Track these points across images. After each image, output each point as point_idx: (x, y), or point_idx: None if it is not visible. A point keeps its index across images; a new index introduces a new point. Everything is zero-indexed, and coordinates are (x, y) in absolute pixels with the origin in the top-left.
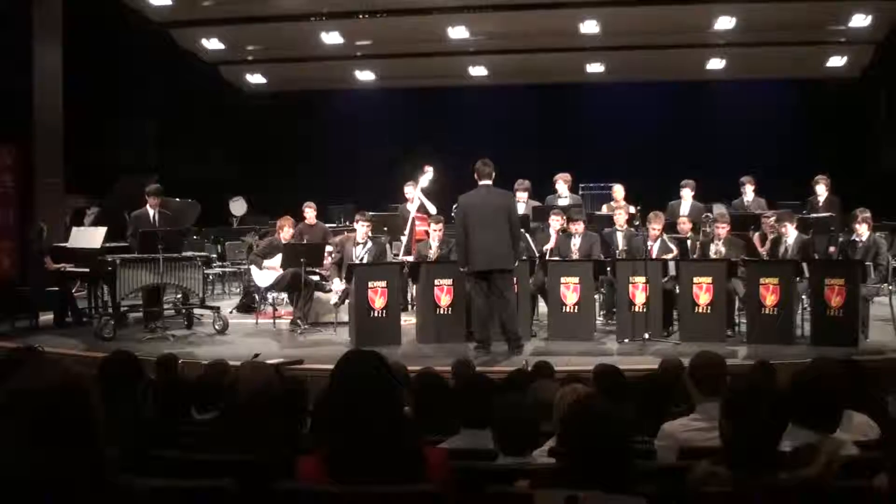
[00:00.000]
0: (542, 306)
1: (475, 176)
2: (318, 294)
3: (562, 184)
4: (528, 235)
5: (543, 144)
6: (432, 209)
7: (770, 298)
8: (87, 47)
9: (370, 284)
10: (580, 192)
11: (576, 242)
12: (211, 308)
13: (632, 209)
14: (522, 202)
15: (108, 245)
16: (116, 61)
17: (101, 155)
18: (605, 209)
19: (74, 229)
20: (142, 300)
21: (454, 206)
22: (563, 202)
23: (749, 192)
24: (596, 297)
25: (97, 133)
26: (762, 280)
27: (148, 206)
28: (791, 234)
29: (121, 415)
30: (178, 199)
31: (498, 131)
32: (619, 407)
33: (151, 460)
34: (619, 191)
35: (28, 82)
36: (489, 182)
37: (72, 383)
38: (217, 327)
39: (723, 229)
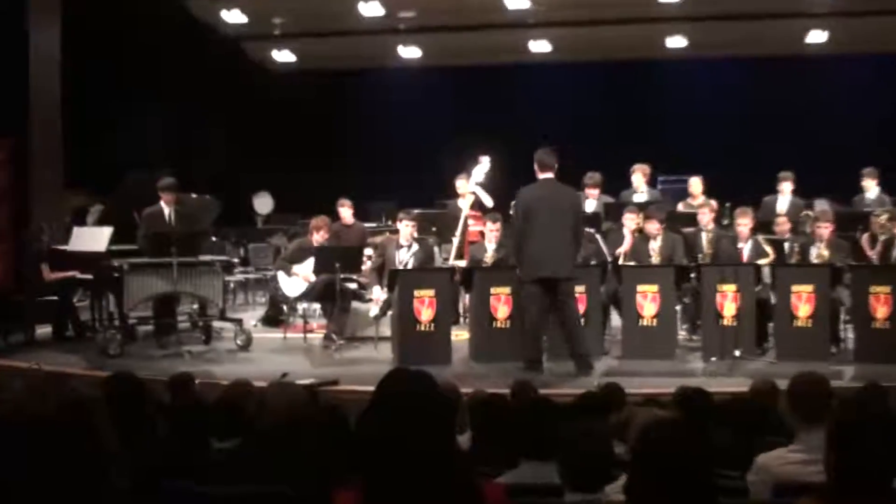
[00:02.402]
0: (616, 319)
1: (535, 167)
2: (355, 304)
3: (639, 176)
4: (599, 237)
5: (615, 131)
6: (489, 202)
7: (881, 310)
8: (89, 24)
9: (416, 293)
10: (658, 187)
11: (654, 245)
12: (232, 321)
13: (713, 203)
14: (593, 199)
15: (114, 248)
16: (123, 39)
17: (106, 146)
18: (681, 206)
19: (76, 229)
20: (153, 311)
21: (513, 203)
22: (639, 198)
23: (872, 188)
24: (678, 308)
25: (101, 121)
26: (872, 289)
27: (162, 202)
28: None
29: (129, 442)
30: (194, 196)
31: (562, 115)
32: (703, 434)
33: (166, 493)
34: (696, 184)
35: (23, 66)
36: (552, 175)
37: (78, 406)
38: (239, 342)
39: (826, 229)
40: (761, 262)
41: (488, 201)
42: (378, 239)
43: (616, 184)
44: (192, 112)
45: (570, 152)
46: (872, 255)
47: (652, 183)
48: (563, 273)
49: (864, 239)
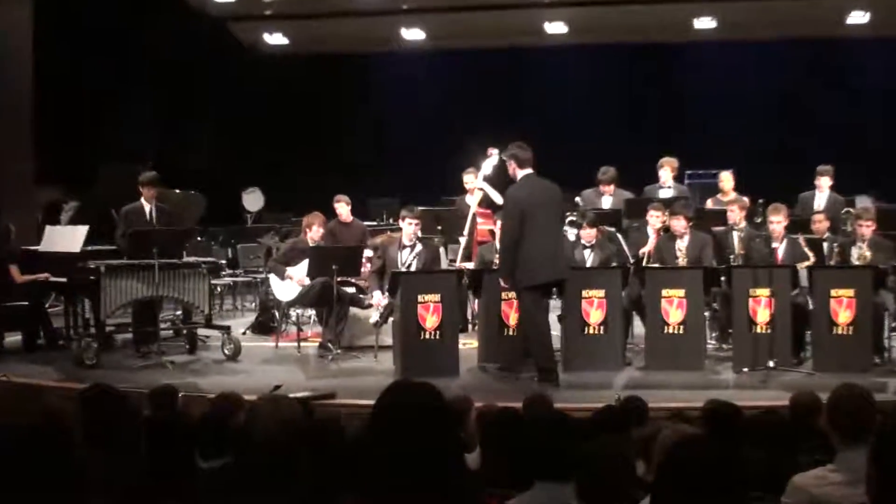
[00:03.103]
0: (639, 326)
1: (513, 165)
2: (353, 310)
3: (667, 171)
4: (619, 236)
5: (637, 120)
6: (499, 199)
7: None
8: (63, 4)
9: (420, 298)
10: (685, 182)
11: (681, 244)
12: (219, 328)
13: (745, 200)
14: (609, 195)
15: (90, 248)
16: (101, 21)
17: (82, 137)
18: (710, 203)
19: (48, 228)
20: (132, 318)
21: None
22: (665, 193)
23: None
24: (706, 314)
25: (76, 110)
26: None
27: (142, 199)
28: None
29: (106, 460)
30: (178, 191)
31: (580, 104)
32: (734, 452)
33: None
34: (727, 179)
35: None
36: (532, 171)
37: (50, 422)
38: (227, 352)
39: (868, 228)
40: (801, 265)
41: (497, 198)
42: (378, 239)
43: (635, 178)
44: (175, 100)
45: (588, 143)
46: None
47: (679, 178)
48: (563, 273)
49: None
